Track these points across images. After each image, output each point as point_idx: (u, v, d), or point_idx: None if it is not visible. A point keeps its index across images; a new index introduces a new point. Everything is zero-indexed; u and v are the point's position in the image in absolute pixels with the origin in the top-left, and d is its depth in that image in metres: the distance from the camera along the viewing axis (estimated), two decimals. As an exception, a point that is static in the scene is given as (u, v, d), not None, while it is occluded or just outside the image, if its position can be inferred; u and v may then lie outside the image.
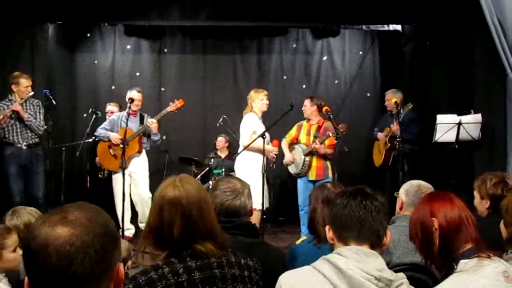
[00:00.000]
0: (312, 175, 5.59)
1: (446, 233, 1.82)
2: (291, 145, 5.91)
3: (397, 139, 5.67)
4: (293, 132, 5.93)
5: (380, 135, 6.15)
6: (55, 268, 0.96)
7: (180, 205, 1.71)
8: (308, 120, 5.82)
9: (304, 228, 5.47)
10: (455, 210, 1.84)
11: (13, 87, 5.43)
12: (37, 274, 0.98)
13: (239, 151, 5.52)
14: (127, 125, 5.43)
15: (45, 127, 5.58)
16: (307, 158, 5.59)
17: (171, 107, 5.68)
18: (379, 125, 6.33)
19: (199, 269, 1.66)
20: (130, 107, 5.54)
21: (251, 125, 5.49)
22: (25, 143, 5.43)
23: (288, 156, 5.82)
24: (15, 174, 5.38)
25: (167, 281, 1.60)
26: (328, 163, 5.62)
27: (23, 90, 5.42)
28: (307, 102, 5.81)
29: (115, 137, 5.63)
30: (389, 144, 5.88)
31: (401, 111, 5.87)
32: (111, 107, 6.42)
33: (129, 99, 5.61)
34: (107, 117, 6.28)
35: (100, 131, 5.80)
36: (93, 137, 5.97)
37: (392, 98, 5.93)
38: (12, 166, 5.39)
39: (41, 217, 1.03)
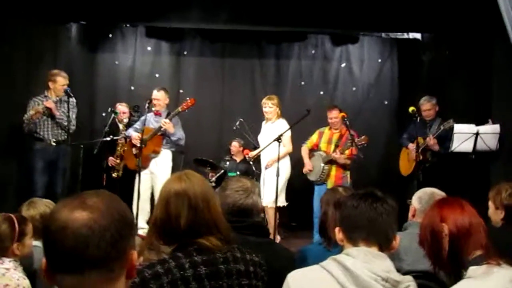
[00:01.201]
0: (330, 183, 5.57)
1: (456, 239, 1.81)
2: (311, 152, 5.91)
3: (429, 152, 5.56)
4: (314, 138, 5.92)
5: (411, 146, 5.84)
6: (72, 250, 1.00)
7: (187, 197, 1.74)
8: (330, 127, 5.80)
9: (316, 236, 5.42)
10: (465, 216, 1.83)
11: (50, 84, 5.55)
12: (55, 255, 1.02)
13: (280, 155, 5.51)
14: (144, 125, 5.50)
15: (75, 126, 5.67)
16: (326, 167, 5.59)
17: (182, 106, 5.73)
18: (408, 132, 6.06)
19: (205, 264, 1.68)
20: (148, 107, 5.61)
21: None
22: (54, 140, 5.53)
23: (306, 164, 5.85)
24: (41, 169, 5.49)
25: (173, 276, 1.62)
26: (348, 173, 5.63)
27: (59, 88, 5.52)
28: (336, 113, 5.75)
29: (134, 136, 5.70)
30: (421, 157, 5.62)
31: (439, 125, 5.67)
32: (122, 107, 6.49)
33: (148, 100, 5.69)
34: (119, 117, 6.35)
35: (129, 130, 5.90)
36: (111, 136, 6.05)
37: (433, 107, 5.78)
38: (39, 161, 5.50)
39: (61, 202, 1.07)
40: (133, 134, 5.77)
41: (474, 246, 1.79)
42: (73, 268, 1.01)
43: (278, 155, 5.19)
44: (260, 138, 6.00)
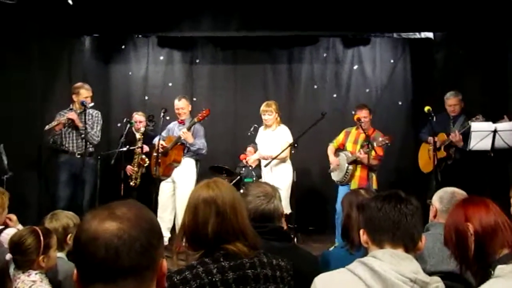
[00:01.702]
0: (354, 184, 5.49)
1: (482, 238, 1.79)
2: (337, 151, 5.85)
3: (453, 148, 5.46)
4: (340, 138, 5.85)
5: (430, 139, 5.68)
6: (103, 260, 1.01)
7: (215, 204, 1.76)
8: (357, 127, 5.69)
9: (339, 237, 5.35)
10: (490, 214, 1.82)
11: (74, 97, 5.65)
12: (86, 266, 1.03)
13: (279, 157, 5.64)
14: (168, 134, 5.55)
15: (99, 138, 5.74)
16: (350, 167, 5.51)
17: (198, 116, 5.76)
18: (428, 129, 5.84)
19: (232, 269, 1.70)
20: (163, 116, 5.67)
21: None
22: (78, 152, 5.60)
23: (333, 161, 5.78)
24: (65, 181, 5.57)
25: (201, 281, 1.64)
26: (373, 174, 5.53)
27: (80, 100, 5.58)
28: (366, 112, 5.65)
29: (157, 144, 5.73)
30: (444, 153, 5.60)
31: (463, 121, 5.59)
32: (138, 116, 6.54)
33: (163, 109, 5.74)
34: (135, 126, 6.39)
35: (155, 139, 5.93)
36: (127, 146, 6.10)
37: (458, 102, 5.70)
38: (64, 173, 5.57)
39: (91, 213, 1.09)
40: (157, 142, 5.82)
41: (500, 244, 1.77)
42: (105, 278, 1.02)
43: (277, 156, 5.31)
44: (261, 145, 5.96)
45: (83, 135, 5.52)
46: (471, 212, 1.85)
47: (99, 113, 5.81)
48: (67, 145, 5.58)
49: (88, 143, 5.53)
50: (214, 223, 1.74)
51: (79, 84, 5.72)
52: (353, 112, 5.94)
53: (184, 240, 1.80)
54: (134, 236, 1.03)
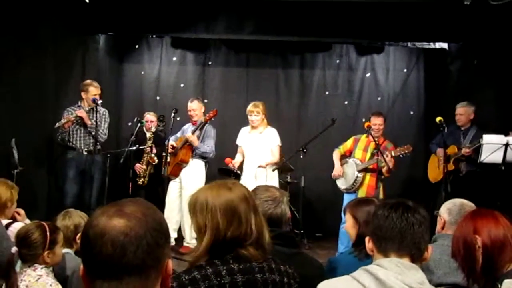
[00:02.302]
0: (362, 192, 5.41)
1: (490, 251, 1.77)
2: (343, 158, 5.73)
3: (463, 161, 5.39)
4: (348, 144, 5.74)
5: (439, 151, 5.71)
6: (110, 257, 1.01)
7: (236, 208, 1.73)
8: (368, 135, 5.58)
9: (342, 247, 5.25)
10: (499, 228, 1.80)
11: (82, 94, 5.69)
12: (93, 262, 1.04)
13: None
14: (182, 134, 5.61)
15: (106, 136, 5.77)
16: (360, 175, 5.42)
17: (205, 117, 5.77)
18: (438, 140, 5.89)
19: (242, 272, 1.68)
20: (174, 117, 5.70)
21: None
22: (86, 149, 5.64)
23: (337, 169, 5.63)
24: (72, 177, 5.60)
25: (210, 282, 1.63)
26: (381, 183, 5.46)
27: (91, 97, 5.63)
28: (381, 120, 5.56)
29: (168, 144, 5.74)
30: (453, 166, 5.53)
31: (475, 134, 5.54)
32: (150, 116, 6.57)
33: (174, 109, 5.76)
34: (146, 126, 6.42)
35: (171, 138, 5.94)
36: (137, 145, 6.13)
37: (466, 113, 5.64)
38: (71, 170, 5.61)
39: (100, 209, 1.09)
40: (170, 142, 5.83)
41: (509, 259, 1.75)
42: (111, 275, 1.02)
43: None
44: (247, 148, 5.81)
45: (93, 132, 5.55)
46: (480, 225, 1.83)
47: (107, 111, 5.85)
48: (74, 142, 5.63)
49: (96, 140, 5.56)
50: (233, 227, 1.70)
51: (88, 81, 5.76)
52: (364, 120, 5.88)
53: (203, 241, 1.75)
54: (141, 235, 1.03)
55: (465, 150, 5.43)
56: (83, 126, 5.62)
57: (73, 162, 5.61)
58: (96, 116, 5.53)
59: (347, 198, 5.46)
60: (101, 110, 5.76)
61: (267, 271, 1.74)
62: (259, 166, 5.61)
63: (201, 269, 1.66)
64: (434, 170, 5.96)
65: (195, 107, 5.91)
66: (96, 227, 1.04)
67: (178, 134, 6.05)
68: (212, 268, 1.67)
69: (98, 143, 5.63)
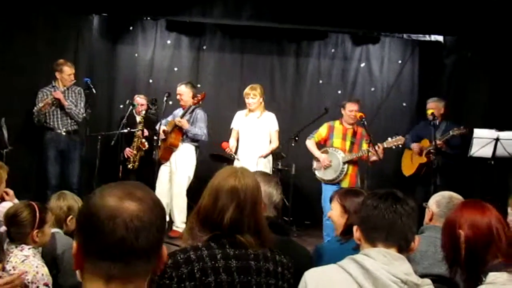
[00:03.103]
0: (345, 183, 5.34)
1: (473, 246, 1.78)
2: (319, 147, 5.58)
3: (434, 154, 5.35)
4: (322, 132, 5.56)
5: (414, 146, 5.77)
6: (121, 239, 1.01)
7: (237, 196, 1.75)
8: (341, 122, 5.49)
9: (327, 238, 5.20)
10: (485, 220, 1.79)
11: (57, 74, 5.62)
12: (99, 242, 1.01)
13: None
14: (162, 118, 5.56)
15: (84, 115, 5.75)
16: (345, 166, 5.35)
17: (193, 101, 5.72)
18: (412, 133, 5.98)
19: (236, 258, 1.70)
20: (166, 101, 5.67)
21: None
22: (64, 129, 5.61)
23: (325, 159, 5.43)
24: (53, 158, 5.57)
25: (205, 264, 1.65)
26: (359, 173, 5.46)
27: (66, 77, 5.59)
28: (357, 107, 5.44)
29: (160, 129, 5.70)
30: (425, 159, 5.56)
31: (446, 127, 5.56)
32: (140, 99, 6.53)
33: (167, 93, 5.74)
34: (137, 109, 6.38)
35: (162, 122, 5.88)
36: (128, 128, 6.09)
37: (437, 107, 5.60)
38: (51, 150, 5.57)
39: (101, 190, 1.07)
40: (161, 127, 5.79)
41: (494, 252, 1.76)
42: (119, 257, 1.01)
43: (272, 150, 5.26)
44: (244, 132, 5.65)
45: (70, 113, 5.53)
46: (465, 217, 1.83)
47: (82, 89, 5.78)
48: (52, 123, 5.58)
49: (74, 120, 5.58)
50: (231, 214, 1.73)
51: (61, 60, 5.65)
52: (343, 106, 5.68)
53: (195, 220, 1.79)
54: (152, 220, 1.04)
55: (439, 143, 5.38)
56: (60, 107, 5.57)
57: (52, 142, 5.58)
58: (76, 96, 5.50)
59: (329, 189, 5.12)
60: (76, 89, 5.71)
61: (262, 259, 1.75)
62: (261, 157, 5.49)
63: (197, 250, 1.68)
64: (408, 164, 5.97)
65: (183, 91, 5.86)
66: (107, 208, 1.02)
67: (169, 118, 6.02)
68: (208, 250, 1.68)
69: (75, 123, 5.62)
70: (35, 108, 5.48)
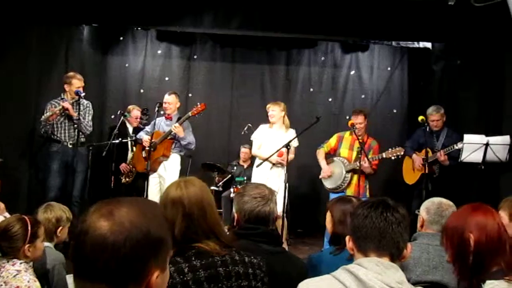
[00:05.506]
0: (350, 192, 5.35)
1: (482, 250, 1.77)
2: (328, 156, 5.65)
3: (437, 165, 5.42)
4: (332, 142, 5.65)
5: (415, 157, 5.75)
6: (85, 257, 0.98)
7: (181, 205, 1.77)
8: (351, 132, 5.51)
9: (327, 244, 5.24)
10: (495, 225, 1.78)
11: (66, 87, 5.61)
12: (73, 257, 1.01)
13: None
14: (154, 128, 5.53)
15: (91, 128, 5.71)
16: (348, 175, 5.37)
17: (193, 110, 5.72)
18: (413, 142, 5.94)
19: (204, 268, 1.70)
20: (158, 110, 5.65)
21: None
22: (70, 142, 5.57)
23: (325, 170, 5.53)
24: (57, 170, 5.53)
25: (173, 280, 1.64)
26: (367, 182, 5.47)
27: (74, 90, 5.56)
28: (361, 118, 5.47)
29: (145, 139, 5.70)
30: (427, 169, 5.45)
31: (446, 136, 5.64)
32: (137, 111, 6.52)
33: (158, 103, 5.73)
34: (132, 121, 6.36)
35: (140, 133, 5.91)
36: (120, 139, 6.07)
37: (441, 117, 5.68)
38: (56, 162, 5.54)
39: (97, 204, 1.04)
40: (144, 137, 5.78)
41: (499, 259, 1.75)
42: (84, 275, 0.99)
43: (287, 160, 5.19)
44: (266, 144, 5.66)
45: (76, 125, 5.49)
46: (475, 221, 1.82)
47: (90, 103, 5.78)
48: (58, 135, 5.56)
49: (80, 133, 5.51)
50: (181, 224, 1.75)
51: (71, 73, 5.68)
52: (348, 117, 5.89)
53: None
54: (119, 244, 0.97)
55: (439, 155, 5.43)
56: (68, 118, 5.55)
57: (58, 155, 5.54)
58: (80, 109, 5.47)
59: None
60: (85, 102, 5.69)
61: (230, 263, 1.76)
62: (279, 163, 5.51)
63: None
64: (409, 172, 5.97)
65: (171, 101, 5.87)
66: (84, 224, 1.00)
67: (148, 129, 5.92)
68: (175, 266, 1.68)
69: (83, 135, 5.58)
70: (43, 117, 5.45)
